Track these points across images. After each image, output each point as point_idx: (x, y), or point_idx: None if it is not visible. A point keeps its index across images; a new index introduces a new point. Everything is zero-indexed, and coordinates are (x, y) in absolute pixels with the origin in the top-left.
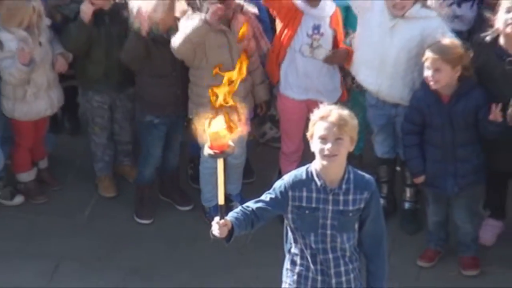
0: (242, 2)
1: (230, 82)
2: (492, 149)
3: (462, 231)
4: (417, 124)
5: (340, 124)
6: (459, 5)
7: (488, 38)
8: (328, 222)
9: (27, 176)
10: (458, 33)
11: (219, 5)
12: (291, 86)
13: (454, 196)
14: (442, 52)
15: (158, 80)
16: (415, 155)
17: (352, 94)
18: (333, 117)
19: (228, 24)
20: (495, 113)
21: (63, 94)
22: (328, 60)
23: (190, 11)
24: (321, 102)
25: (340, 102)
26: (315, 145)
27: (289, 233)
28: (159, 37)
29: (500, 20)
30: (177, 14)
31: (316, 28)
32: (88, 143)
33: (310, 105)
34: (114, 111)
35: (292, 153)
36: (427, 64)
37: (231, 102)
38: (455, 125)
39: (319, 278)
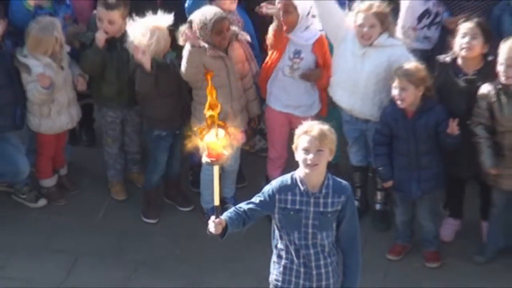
0: (237, 30)
1: (214, 108)
2: (452, 157)
3: (425, 229)
4: (386, 136)
5: (321, 138)
6: (429, 27)
7: (447, 59)
8: (310, 221)
9: (49, 182)
10: (425, 52)
11: (217, 36)
12: (274, 99)
13: (418, 198)
14: (407, 75)
15: (165, 99)
16: (384, 163)
17: (329, 111)
18: (315, 132)
19: (226, 50)
20: (452, 127)
21: (81, 110)
22: (304, 77)
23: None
24: (302, 118)
25: (321, 116)
26: (299, 156)
27: (276, 231)
28: (161, 64)
29: (457, 44)
30: (181, 42)
31: (297, 53)
32: (102, 153)
33: (290, 118)
34: (125, 125)
35: (276, 159)
36: (394, 85)
37: (220, 123)
38: (418, 137)
39: (302, 270)
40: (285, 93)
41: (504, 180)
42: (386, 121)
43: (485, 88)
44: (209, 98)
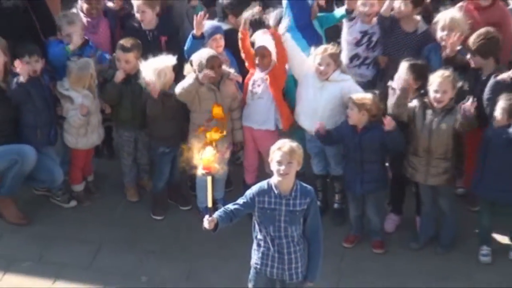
0: (228, 70)
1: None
2: (394, 162)
3: (372, 222)
4: (334, 136)
5: (291, 153)
6: (359, 67)
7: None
8: (282, 218)
9: (79, 187)
10: (365, 83)
11: (211, 73)
12: (244, 118)
13: (366, 197)
14: (355, 102)
15: (169, 122)
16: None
17: (295, 132)
18: (286, 148)
19: (218, 85)
20: (388, 122)
21: (104, 131)
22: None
23: (192, 72)
24: (257, 130)
25: (287, 134)
26: (274, 167)
27: (256, 225)
28: (166, 93)
29: (395, 80)
30: (185, 73)
31: (256, 82)
32: (119, 165)
33: (253, 131)
34: (137, 143)
35: (248, 165)
36: (348, 108)
37: (212, 142)
38: (363, 148)
39: (276, 255)
40: (250, 112)
41: (417, 174)
42: (340, 132)
43: (414, 102)
44: (214, 135)
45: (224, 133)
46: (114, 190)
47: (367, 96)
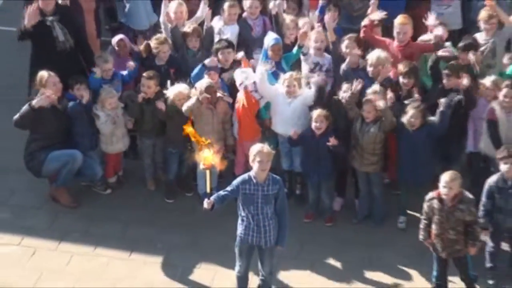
0: (222, 94)
1: (202, 142)
2: (337, 160)
3: (324, 202)
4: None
5: (268, 153)
6: None
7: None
8: (259, 200)
9: (112, 179)
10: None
11: (207, 96)
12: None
13: (320, 185)
14: (319, 116)
15: (175, 130)
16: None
17: (270, 138)
18: (265, 151)
19: (214, 105)
20: (332, 141)
21: (129, 139)
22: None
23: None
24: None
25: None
26: (255, 164)
27: (240, 206)
28: (178, 109)
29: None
30: (191, 95)
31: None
32: (142, 163)
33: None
34: (155, 147)
35: (238, 162)
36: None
37: (208, 144)
38: (320, 149)
39: (255, 227)
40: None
41: (355, 162)
42: (304, 137)
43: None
44: (204, 142)
45: (208, 141)
46: (138, 181)
47: (323, 113)
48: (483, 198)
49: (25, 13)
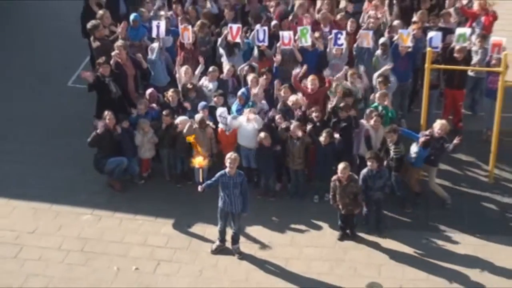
0: (209, 123)
1: (196, 148)
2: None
3: (270, 185)
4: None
5: (236, 159)
6: None
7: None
8: (231, 186)
9: (145, 175)
10: None
11: (199, 124)
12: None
13: (269, 175)
14: (264, 137)
15: (183, 144)
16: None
17: (238, 147)
18: (233, 157)
19: (204, 129)
20: (277, 147)
21: (155, 150)
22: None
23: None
24: None
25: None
26: (228, 165)
27: (220, 190)
28: (184, 134)
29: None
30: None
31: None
32: (162, 165)
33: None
34: (169, 154)
35: (225, 160)
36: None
37: (201, 151)
38: (268, 154)
39: (229, 202)
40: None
41: (290, 162)
42: (259, 148)
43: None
44: (200, 150)
45: (200, 149)
46: (160, 175)
47: (267, 135)
48: (360, 182)
49: (89, 76)
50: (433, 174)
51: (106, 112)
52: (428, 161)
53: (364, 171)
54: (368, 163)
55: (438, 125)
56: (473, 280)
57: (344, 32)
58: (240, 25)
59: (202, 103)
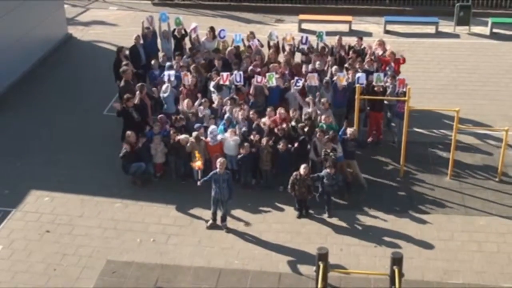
0: (202, 138)
1: (198, 156)
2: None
3: (248, 181)
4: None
5: (224, 163)
6: None
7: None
8: (220, 181)
9: (158, 174)
10: None
11: (196, 140)
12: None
13: (246, 173)
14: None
15: (184, 152)
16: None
17: (227, 155)
18: (222, 161)
19: (199, 143)
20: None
21: (165, 157)
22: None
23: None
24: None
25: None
26: (218, 166)
27: (212, 184)
28: (187, 147)
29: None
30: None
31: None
32: (170, 167)
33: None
34: (176, 160)
35: (213, 164)
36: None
37: (198, 157)
38: (247, 161)
39: (219, 192)
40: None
41: (263, 163)
42: (243, 156)
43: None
44: (199, 156)
45: (198, 155)
46: (169, 175)
47: (248, 145)
48: (325, 180)
49: (118, 106)
50: (355, 165)
51: (128, 133)
52: (348, 157)
53: (325, 172)
54: (328, 170)
55: (349, 131)
56: (390, 243)
57: (302, 79)
58: (229, 73)
59: (197, 124)
